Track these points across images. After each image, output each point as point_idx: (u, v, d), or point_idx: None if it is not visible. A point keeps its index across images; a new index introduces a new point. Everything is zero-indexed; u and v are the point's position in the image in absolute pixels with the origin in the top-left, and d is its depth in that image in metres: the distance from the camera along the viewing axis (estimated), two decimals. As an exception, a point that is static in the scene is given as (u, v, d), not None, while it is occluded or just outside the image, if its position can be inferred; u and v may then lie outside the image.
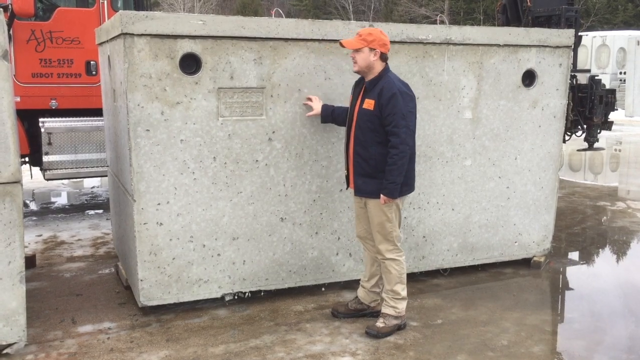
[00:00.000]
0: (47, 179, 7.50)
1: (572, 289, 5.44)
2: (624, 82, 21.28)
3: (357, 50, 4.06)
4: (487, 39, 5.18)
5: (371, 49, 4.03)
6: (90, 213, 7.98)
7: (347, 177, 4.35)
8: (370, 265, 4.46)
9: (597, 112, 8.39)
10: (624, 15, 38.96)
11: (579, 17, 8.47)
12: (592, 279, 5.69)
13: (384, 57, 4.10)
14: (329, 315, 4.59)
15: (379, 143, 4.08)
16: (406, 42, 4.89)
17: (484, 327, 4.47)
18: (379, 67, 4.10)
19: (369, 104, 4.07)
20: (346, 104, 4.53)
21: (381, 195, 4.08)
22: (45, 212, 8.08)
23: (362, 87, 4.19)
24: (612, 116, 9.02)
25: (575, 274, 5.84)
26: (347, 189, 4.48)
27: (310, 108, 4.64)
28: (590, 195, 9.27)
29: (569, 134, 8.38)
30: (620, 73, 22.31)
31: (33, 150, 7.38)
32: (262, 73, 4.52)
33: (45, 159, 7.24)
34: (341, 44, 4.15)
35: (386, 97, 4.00)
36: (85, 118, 7.36)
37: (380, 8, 47.22)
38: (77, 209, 8.27)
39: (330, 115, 4.54)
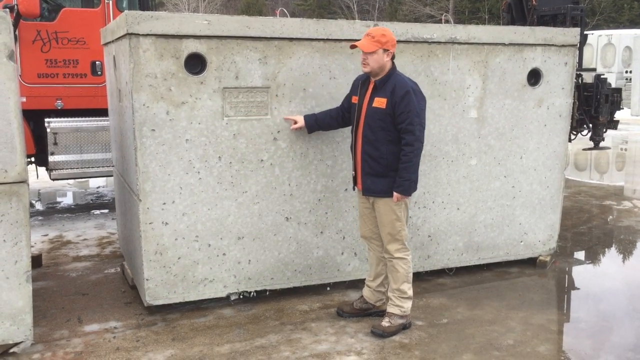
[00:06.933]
0: (53, 179, 7.53)
1: (578, 289, 5.42)
2: (630, 81, 21.20)
3: (370, 52, 4.05)
4: (492, 38, 5.16)
5: (385, 50, 4.02)
6: (95, 213, 8.00)
7: (355, 177, 4.34)
8: (376, 265, 4.46)
9: (603, 111, 8.36)
10: (629, 13, 38.81)
11: (585, 16, 8.44)
12: (598, 278, 5.67)
13: (393, 56, 4.11)
14: (334, 314, 4.59)
15: (390, 141, 4.07)
16: (411, 42, 4.89)
17: (489, 326, 4.47)
18: (388, 66, 4.10)
19: (380, 102, 4.06)
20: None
21: (394, 193, 4.08)
22: (51, 211, 8.11)
23: (369, 85, 4.18)
24: (618, 115, 8.99)
25: (581, 273, 5.82)
26: (353, 189, 4.47)
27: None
28: (596, 194, 9.24)
29: (575, 133, 8.35)
30: (626, 72, 22.23)
31: (39, 150, 7.41)
32: (267, 73, 4.52)
33: (51, 159, 7.27)
34: (354, 46, 4.13)
35: (399, 94, 4.00)
36: (90, 118, 7.39)
37: (385, 7, 47.16)
38: (82, 208, 8.29)
39: (315, 123, 4.53)
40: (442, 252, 5.34)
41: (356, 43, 4.14)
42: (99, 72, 7.32)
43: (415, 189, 4.16)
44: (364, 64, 4.09)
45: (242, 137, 4.53)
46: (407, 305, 4.30)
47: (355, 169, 4.31)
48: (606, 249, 6.61)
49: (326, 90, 4.70)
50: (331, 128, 4.60)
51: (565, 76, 5.52)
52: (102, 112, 7.04)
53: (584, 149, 9.65)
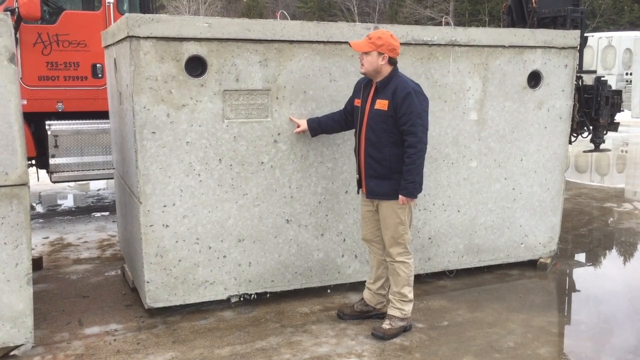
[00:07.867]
0: (54, 182, 7.53)
1: (578, 291, 5.42)
2: (630, 83, 21.19)
3: (365, 53, 4.05)
4: (493, 40, 5.17)
5: (379, 53, 4.02)
6: (96, 215, 8.00)
7: (359, 180, 4.33)
8: (377, 267, 4.46)
9: (603, 113, 8.37)
10: (630, 16, 38.84)
11: (585, 18, 8.45)
12: (599, 280, 5.67)
13: (392, 62, 4.09)
14: (335, 316, 4.59)
15: (392, 144, 4.07)
16: (411, 44, 4.89)
17: (490, 328, 4.47)
18: (387, 69, 4.09)
19: (382, 104, 4.05)
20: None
21: (400, 196, 4.07)
22: (51, 214, 8.11)
23: (371, 88, 4.18)
24: (619, 117, 9.00)
25: (582, 275, 5.82)
26: (358, 192, 4.46)
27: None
28: (596, 196, 9.23)
29: (575, 135, 8.36)
30: (627, 74, 22.23)
31: (40, 152, 7.42)
32: (267, 75, 4.53)
33: (51, 161, 7.27)
34: (350, 45, 4.15)
35: (401, 96, 3.99)
36: (91, 121, 7.40)
37: (385, 10, 47.20)
38: (83, 211, 8.30)
39: (318, 126, 4.53)
40: (443, 254, 5.34)
41: (351, 42, 4.16)
42: (100, 75, 7.33)
43: (420, 190, 4.15)
44: (360, 64, 4.12)
45: (243, 139, 4.53)
46: (408, 308, 4.30)
47: (359, 172, 4.31)
48: (607, 251, 6.61)
49: (326, 93, 4.71)
50: (334, 131, 4.60)
51: (566, 78, 5.52)
52: (103, 115, 7.04)
53: (584, 151, 9.66)
